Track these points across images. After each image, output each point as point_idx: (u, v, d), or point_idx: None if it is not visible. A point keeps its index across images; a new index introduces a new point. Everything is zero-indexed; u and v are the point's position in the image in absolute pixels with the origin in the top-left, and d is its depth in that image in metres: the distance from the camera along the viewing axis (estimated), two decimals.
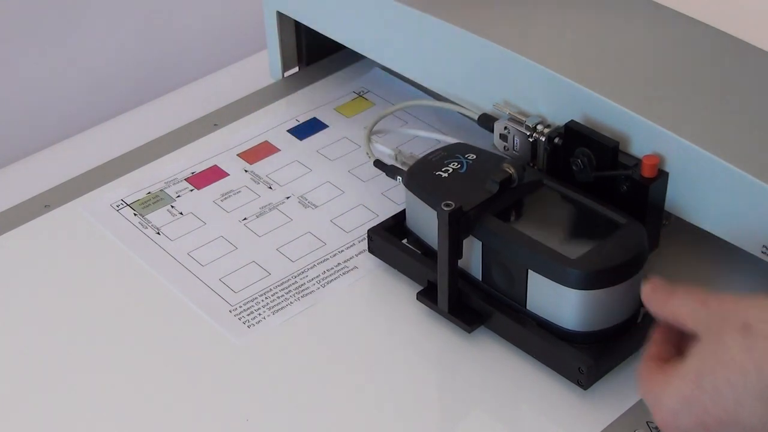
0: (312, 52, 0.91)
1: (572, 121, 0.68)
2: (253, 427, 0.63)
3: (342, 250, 0.74)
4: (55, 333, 0.68)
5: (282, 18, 0.87)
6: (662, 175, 0.65)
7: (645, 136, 0.66)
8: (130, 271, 0.73)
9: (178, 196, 0.78)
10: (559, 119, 0.69)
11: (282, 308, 0.70)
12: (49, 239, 0.75)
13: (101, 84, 0.95)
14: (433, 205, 0.66)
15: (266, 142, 0.83)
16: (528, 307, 0.65)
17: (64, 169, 0.83)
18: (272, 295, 0.71)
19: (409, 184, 0.69)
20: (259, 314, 0.69)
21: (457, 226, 0.64)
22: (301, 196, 0.78)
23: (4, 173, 0.88)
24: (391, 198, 0.77)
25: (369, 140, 0.77)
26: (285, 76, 0.90)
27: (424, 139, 0.81)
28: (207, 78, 0.99)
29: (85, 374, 0.66)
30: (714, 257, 0.72)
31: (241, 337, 0.68)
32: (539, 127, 0.69)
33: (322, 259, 0.73)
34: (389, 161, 0.75)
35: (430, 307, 0.68)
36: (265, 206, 0.78)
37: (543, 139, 0.69)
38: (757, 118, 0.67)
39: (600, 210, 0.65)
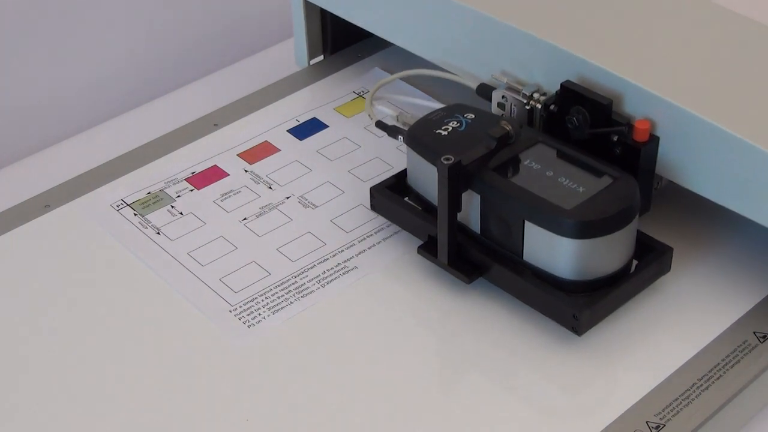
0: (337, 40, 0.92)
1: (568, 80, 0.70)
2: (253, 427, 0.63)
3: (342, 250, 0.74)
4: (54, 333, 0.68)
5: (308, 6, 0.89)
6: (653, 140, 0.68)
7: (637, 100, 0.68)
8: (130, 271, 0.73)
9: (178, 196, 0.79)
10: (555, 87, 0.72)
11: (282, 308, 0.70)
12: (49, 239, 0.75)
13: (101, 84, 0.95)
14: (433, 160, 0.68)
15: (266, 142, 0.83)
16: (525, 258, 0.67)
17: (64, 169, 0.83)
18: (272, 295, 0.71)
19: (409, 142, 0.71)
20: (259, 314, 0.69)
21: (456, 180, 0.66)
22: (301, 196, 0.78)
23: (4, 173, 0.88)
24: None
25: (371, 103, 0.80)
26: (310, 64, 0.91)
27: (424, 108, 0.82)
28: (207, 78, 0.99)
29: (85, 374, 0.66)
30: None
31: (241, 337, 0.68)
32: (535, 95, 0.72)
33: (322, 259, 0.73)
34: (391, 123, 0.78)
35: (430, 260, 0.70)
36: (265, 206, 0.78)
37: (539, 107, 0.71)
38: (746, 80, 0.69)
39: (594, 164, 0.67)
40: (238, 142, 0.83)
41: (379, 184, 0.74)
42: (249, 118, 0.86)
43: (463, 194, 0.67)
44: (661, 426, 0.62)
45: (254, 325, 0.69)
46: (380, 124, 0.78)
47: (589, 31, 0.73)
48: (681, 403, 0.63)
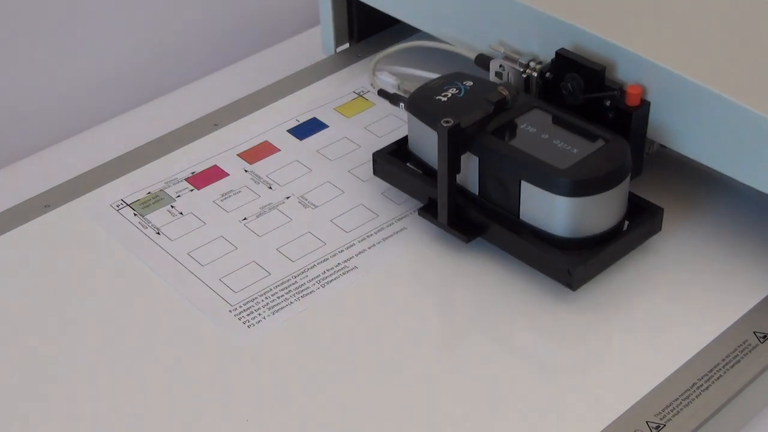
0: (363, 27, 0.93)
1: (562, 48, 0.73)
2: (253, 427, 0.63)
3: (342, 250, 0.74)
4: (54, 333, 0.69)
5: None
6: (644, 104, 0.70)
7: (629, 66, 0.70)
8: (130, 271, 0.73)
9: (178, 196, 0.79)
10: (550, 56, 0.74)
11: (282, 308, 0.70)
12: (49, 239, 0.75)
13: (101, 84, 0.95)
14: (433, 125, 0.70)
15: (266, 142, 0.83)
16: (521, 217, 0.70)
17: (64, 169, 0.83)
18: (272, 295, 0.71)
19: (410, 108, 0.74)
20: (259, 314, 0.69)
21: (455, 142, 0.69)
22: (301, 196, 0.78)
23: (4, 173, 0.88)
24: (391, 198, 0.77)
25: (374, 73, 0.83)
26: (336, 52, 0.93)
27: (424, 79, 0.83)
28: (207, 78, 0.99)
29: (84, 374, 0.66)
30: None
31: (241, 337, 0.68)
32: (531, 64, 0.75)
33: (322, 259, 0.73)
34: (392, 91, 0.82)
35: (431, 221, 0.72)
36: (265, 206, 0.78)
37: (535, 75, 0.75)
38: (736, 44, 0.71)
39: (587, 128, 0.70)
40: (238, 142, 0.83)
41: (381, 149, 0.76)
42: (249, 118, 0.86)
43: (461, 157, 0.70)
44: (661, 426, 0.62)
45: (254, 325, 0.69)
46: (382, 93, 0.82)
47: (583, 0, 0.75)
48: (681, 403, 0.63)
